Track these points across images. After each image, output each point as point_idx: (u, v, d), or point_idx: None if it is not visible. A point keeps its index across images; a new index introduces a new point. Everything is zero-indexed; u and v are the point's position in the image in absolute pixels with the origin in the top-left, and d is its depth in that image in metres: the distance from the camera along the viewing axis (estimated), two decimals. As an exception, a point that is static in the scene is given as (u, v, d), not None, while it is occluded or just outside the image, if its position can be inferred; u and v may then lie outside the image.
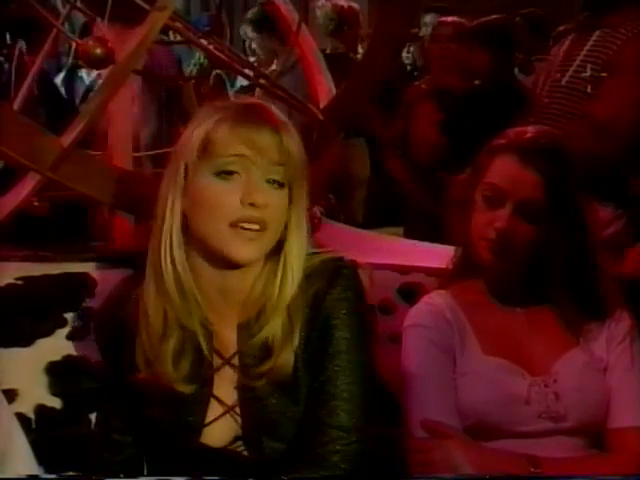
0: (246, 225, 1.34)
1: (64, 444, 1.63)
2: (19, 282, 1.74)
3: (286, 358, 1.37)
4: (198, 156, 1.36)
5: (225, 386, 1.42)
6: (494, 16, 3.90)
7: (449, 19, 4.06)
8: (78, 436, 1.63)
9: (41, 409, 1.65)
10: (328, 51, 4.15)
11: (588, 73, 2.62)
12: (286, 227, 1.40)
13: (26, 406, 1.63)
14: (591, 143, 2.47)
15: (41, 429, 1.62)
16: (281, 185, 1.38)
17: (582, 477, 1.50)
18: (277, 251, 1.41)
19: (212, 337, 1.42)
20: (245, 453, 1.42)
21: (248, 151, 1.34)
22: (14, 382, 1.64)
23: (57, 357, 1.69)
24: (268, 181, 1.36)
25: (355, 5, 4.57)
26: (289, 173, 1.37)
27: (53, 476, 1.45)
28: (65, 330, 1.71)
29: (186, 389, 1.40)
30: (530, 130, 1.63)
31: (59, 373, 1.67)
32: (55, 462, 1.53)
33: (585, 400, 1.57)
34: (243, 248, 1.35)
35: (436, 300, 1.65)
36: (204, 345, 1.41)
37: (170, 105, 4.10)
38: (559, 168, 1.57)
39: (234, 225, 1.34)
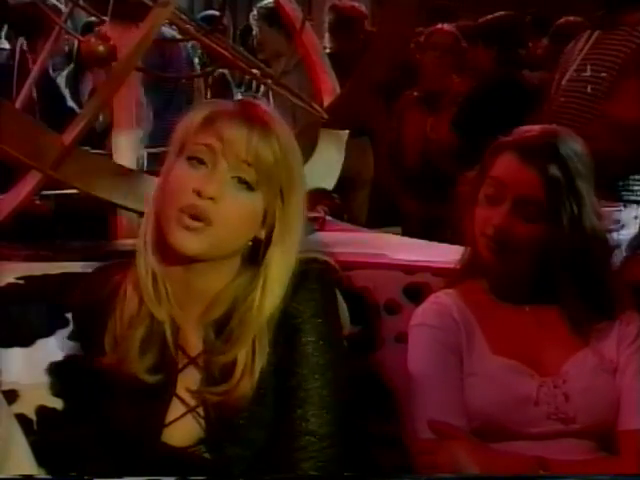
0: (190, 213, 1.31)
1: (65, 445, 1.61)
2: (20, 281, 1.72)
3: (244, 385, 1.34)
4: (178, 150, 1.37)
5: (188, 385, 1.40)
6: (499, 14, 3.90)
7: (447, 27, 4.04)
8: (80, 437, 1.61)
9: (42, 410, 1.63)
10: (331, 50, 4.14)
11: (605, 72, 2.60)
12: (270, 238, 1.37)
13: (27, 407, 1.62)
14: (608, 144, 2.45)
15: (42, 430, 1.60)
16: (250, 188, 1.34)
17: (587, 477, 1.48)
18: (255, 260, 1.38)
19: (178, 332, 1.40)
20: (207, 456, 1.39)
21: (216, 143, 1.33)
22: (15, 382, 1.63)
23: (58, 357, 1.67)
24: (237, 179, 1.33)
25: (357, 4, 4.56)
26: (261, 177, 1.33)
27: (49, 477, 1.43)
28: (66, 330, 1.69)
29: (149, 379, 1.38)
30: (535, 129, 1.62)
31: (60, 374, 1.65)
32: (56, 464, 1.51)
33: (595, 401, 1.55)
34: (183, 237, 1.31)
35: (443, 299, 1.63)
36: (169, 337, 1.39)
37: (181, 103, 4.09)
38: (560, 168, 1.55)
39: (180, 211, 1.32)
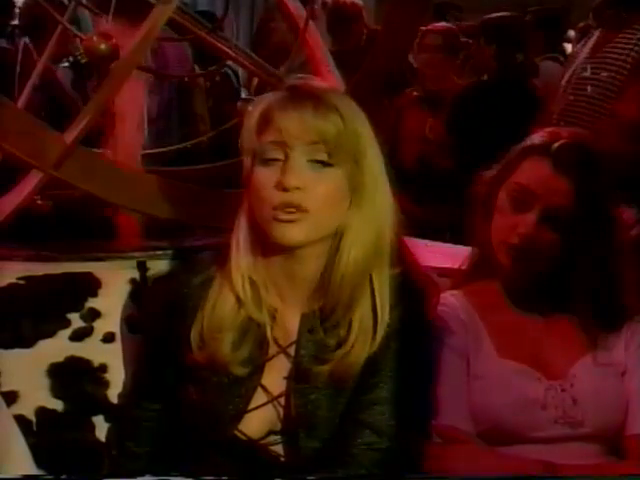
0: (285, 209, 1.35)
1: (65, 447, 1.60)
2: (21, 282, 1.71)
3: (356, 356, 1.38)
4: (251, 158, 1.39)
5: (274, 375, 1.43)
6: (502, 13, 3.89)
7: (437, 27, 4.01)
8: (79, 439, 1.60)
9: (42, 412, 1.62)
10: (332, 48, 4.12)
11: (615, 72, 2.58)
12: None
13: (27, 408, 1.61)
14: (617, 143, 2.42)
15: (42, 432, 1.59)
16: (327, 164, 1.36)
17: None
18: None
19: (273, 323, 1.43)
20: (276, 449, 1.42)
21: (279, 136, 1.36)
22: (15, 384, 1.62)
23: (59, 359, 1.66)
24: (311, 161, 1.36)
25: (358, 0, 4.53)
26: (332, 150, 1.35)
27: (50, 476, 1.42)
28: (68, 331, 1.68)
29: (240, 372, 1.41)
30: (565, 134, 1.58)
31: (61, 375, 1.64)
32: (55, 465, 1.50)
33: (603, 405, 1.53)
34: (284, 230, 1.35)
35: (449, 301, 1.61)
36: (269, 335, 1.42)
37: (181, 104, 4.07)
38: (593, 178, 1.52)
39: (275, 209, 1.36)
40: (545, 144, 1.55)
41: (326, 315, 1.41)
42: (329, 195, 1.37)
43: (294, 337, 1.43)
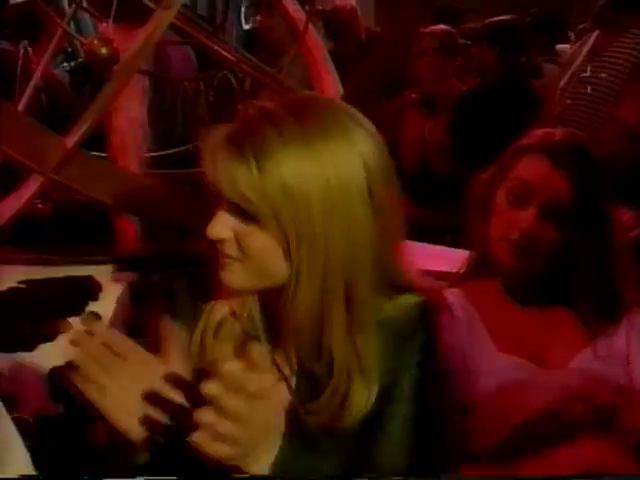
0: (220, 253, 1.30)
1: (63, 451, 1.60)
2: (22, 286, 1.72)
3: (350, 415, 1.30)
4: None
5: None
6: (504, 17, 3.89)
7: (435, 29, 4.01)
8: (79, 442, 1.60)
9: (42, 415, 1.62)
10: (332, 50, 4.12)
11: (615, 75, 2.58)
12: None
13: (27, 412, 1.61)
14: (617, 146, 2.42)
15: (41, 435, 1.59)
16: (250, 219, 1.24)
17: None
18: None
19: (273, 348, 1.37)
20: None
21: (211, 183, 1.25)
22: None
23: (60, 362, 1.66)
24: (233, 214, 1.26)
25: (348, 2, 4.53)
26: (247, 206, 1.23)
27: (48, 477, 1.43)
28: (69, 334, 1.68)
29: None
30: (559, 132, 1.60)
31: (61, 379, 1.64)
32: (53, 469, 1.50)
33: (605, 396, 1.53)
34: (223, 274, 1.30)
35: (448, 298, 1.61)
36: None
37: (184, 107, 4.07)
38: (588, 173, 1.54)
39: (216, 250, 1.29)
40: (541, 142, 1.57)
41: (304, 360, 1.34)
42: (259, 249, 1.26)
43: (294, 367, 1.36)
